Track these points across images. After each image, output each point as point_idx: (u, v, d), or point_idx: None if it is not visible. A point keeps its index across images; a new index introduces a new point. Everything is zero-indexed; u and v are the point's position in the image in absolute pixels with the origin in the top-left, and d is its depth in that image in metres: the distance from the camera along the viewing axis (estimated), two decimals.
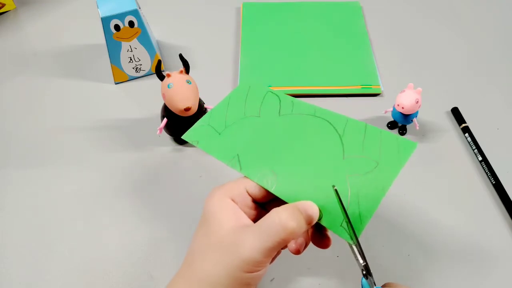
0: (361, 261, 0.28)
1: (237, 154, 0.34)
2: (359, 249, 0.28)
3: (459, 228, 0.44)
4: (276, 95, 0.38)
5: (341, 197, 0.30)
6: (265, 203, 0.33)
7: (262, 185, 0.32)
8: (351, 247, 0.29)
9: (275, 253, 0.29)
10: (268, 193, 0.32)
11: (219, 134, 0.36)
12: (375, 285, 0.28)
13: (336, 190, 0.30)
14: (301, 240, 0.33)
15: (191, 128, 0.38)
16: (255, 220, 0.32)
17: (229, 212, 0.30)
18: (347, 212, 0.29)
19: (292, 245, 0.32)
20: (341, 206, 0.30)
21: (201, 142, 0.36)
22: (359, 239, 0.29)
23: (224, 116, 0.37)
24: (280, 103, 0.37)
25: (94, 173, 0.49)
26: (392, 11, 0.71)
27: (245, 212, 0.31)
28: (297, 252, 0.32)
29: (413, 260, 0.42)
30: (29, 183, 0.48)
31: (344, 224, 0.29)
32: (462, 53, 0.63)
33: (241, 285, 0.28)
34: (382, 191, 0.30)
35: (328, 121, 0.35)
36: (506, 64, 0.62)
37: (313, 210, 0.29)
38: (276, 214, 0.28)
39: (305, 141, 0.34)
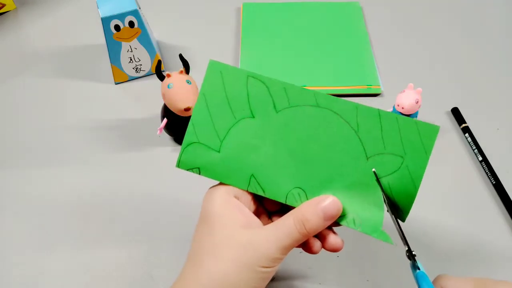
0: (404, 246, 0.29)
1: (252, 174, 0.31)
2: (402, 237, 0.29)
3: (459, 228, 0.44)
4: (261, 81, 0.31)
5: (376, 200, 0.30)
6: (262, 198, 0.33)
7: (292, 205, 0.31)
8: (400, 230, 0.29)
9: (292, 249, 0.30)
10: None
11: (218, 152, 0.32)
12: (418, 269, 0.28)
13: (374, 172, 0.30)
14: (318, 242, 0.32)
15: (182, 152, 0.32)
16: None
17: (236, 211, 0.30)
18: (387, 210, 0.30)
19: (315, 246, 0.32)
20: (383, 194, 0.30)
21: (203, 169, 0.32)
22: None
23: (210, 124, 0.32)
24: (270, 93, 0.31)
25: (93, 173, 0.49)
26: (392, 11, 0.71)
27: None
28: (317, 251, 0.32)
29: None
30: (29, 183, 0.48)
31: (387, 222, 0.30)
32: (462, 53, 0.63)
33: (260, 280, 0.29)
34: (414, 188, 0.30)
35: (336, 113, 0.31)
36: (506, 64, 0.62)
37: (332, 207, 0.29)
38: (294, 213, 0.29)
39: (321, 146, 0.31)
